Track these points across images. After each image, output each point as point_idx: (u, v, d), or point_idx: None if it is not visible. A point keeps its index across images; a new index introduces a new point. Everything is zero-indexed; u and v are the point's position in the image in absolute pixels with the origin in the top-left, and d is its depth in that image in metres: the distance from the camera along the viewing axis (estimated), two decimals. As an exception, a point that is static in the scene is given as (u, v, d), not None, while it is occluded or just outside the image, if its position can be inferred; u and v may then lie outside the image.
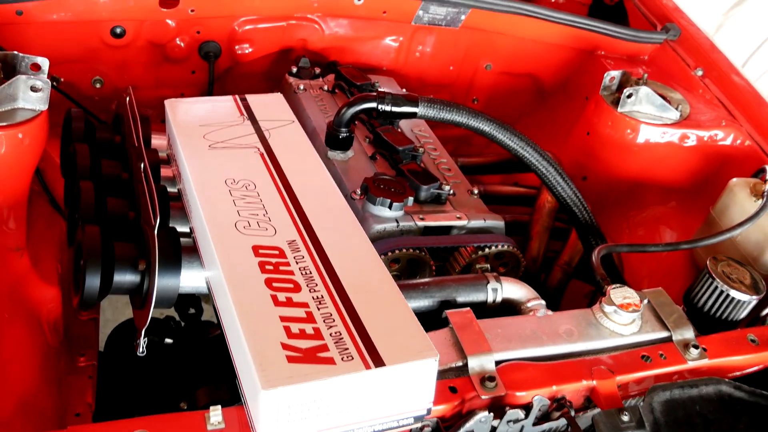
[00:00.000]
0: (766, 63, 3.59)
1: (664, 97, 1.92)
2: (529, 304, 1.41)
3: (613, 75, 1.97)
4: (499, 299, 1.42)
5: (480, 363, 1.25)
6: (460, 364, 1.26)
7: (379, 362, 1.05)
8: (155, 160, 1.56)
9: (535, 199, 1.94)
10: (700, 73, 2.07)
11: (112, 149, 1.60)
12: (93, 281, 1.27)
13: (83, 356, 1.69)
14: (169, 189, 1.51)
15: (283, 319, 1.10)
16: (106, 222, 1.38)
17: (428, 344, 1.10)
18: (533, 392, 1.23)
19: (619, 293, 1.40)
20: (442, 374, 1.23)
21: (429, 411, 1.13)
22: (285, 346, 1.05)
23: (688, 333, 1.40)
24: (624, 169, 1.97)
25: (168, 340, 1.99)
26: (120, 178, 1.52)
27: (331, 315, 1.12)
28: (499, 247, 1.54)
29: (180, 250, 1.32)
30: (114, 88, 1.89)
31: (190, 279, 1.32)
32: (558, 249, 1.93)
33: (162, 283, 1.27)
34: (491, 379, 1.22)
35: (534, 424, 1.24)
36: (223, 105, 1.61)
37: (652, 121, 1.91)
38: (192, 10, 1.78)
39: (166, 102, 1.56)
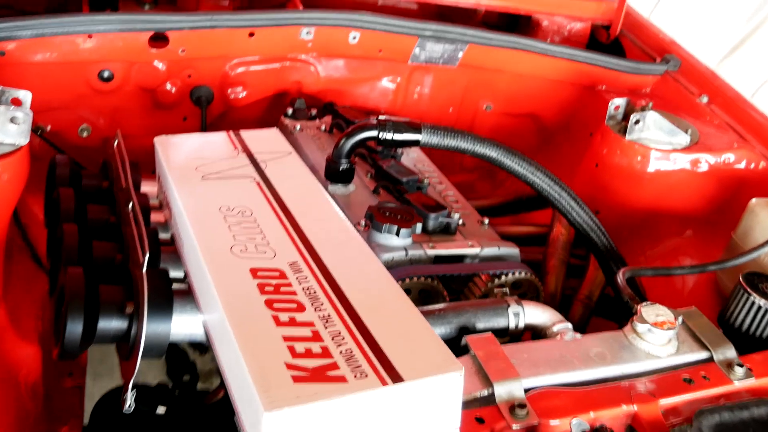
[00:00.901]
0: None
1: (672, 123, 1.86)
2: (554, 328, 1.31)
3: (617, 103, 1.91)
4: (521, 324, 1.31)
5: (508, 390, 1.14)
6: (485, 393, 1.14)
7: (396, 378, 0.93)
8: (145, 203, 1.47)
9: (547, 236, 1.85)
10: (705, 100, 2.02)
11: (99, 196, 1.51)
12: (75, 327, 1.16)
13: (66, 426, 1.56)
14: (162, 236, 1.41)
15: (286, 338, 0.99)
16: (91, 266, 1.29)
17: (451, 358, 0.99)
18: (569, 419, 1.12)
19: (651, 311, 1.30)
20: (467, 405, 1.11)
21: (457, 435, 1.01)
22: (290, 366, 0.94)
23: (730, 352, 1.30)
24: (637, 199, 1.89)
25: (160, 410, 1.86)
26: (107, 223, 1.43)
27: (340, 333, 1.01)
28: (517, 274, 1.44)
29: (171, 292, 1.21)
30: (102, 137, 1.81)
31: (183, 324, 1.21)
32: (575, 286, 1.83)
33: (152, 327, 1.16)
34: (522, 406, 1.10)
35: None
36: (216, 140, 1.53)
37: (663, 147, 1.84)
38: (182, 51, 1.72)
39: (156, 139, 1.48)
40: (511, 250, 1.51)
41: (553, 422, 1.10)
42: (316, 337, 1.00)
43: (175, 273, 1.32)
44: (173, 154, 1.46)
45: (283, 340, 0.98)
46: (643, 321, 1.27)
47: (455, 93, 2.13)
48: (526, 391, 1.15)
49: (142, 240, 1.23)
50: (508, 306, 1.31)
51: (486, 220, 1.60)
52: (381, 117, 1.57)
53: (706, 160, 1.84)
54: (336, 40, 1.87)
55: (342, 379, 0.93)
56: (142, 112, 1.83)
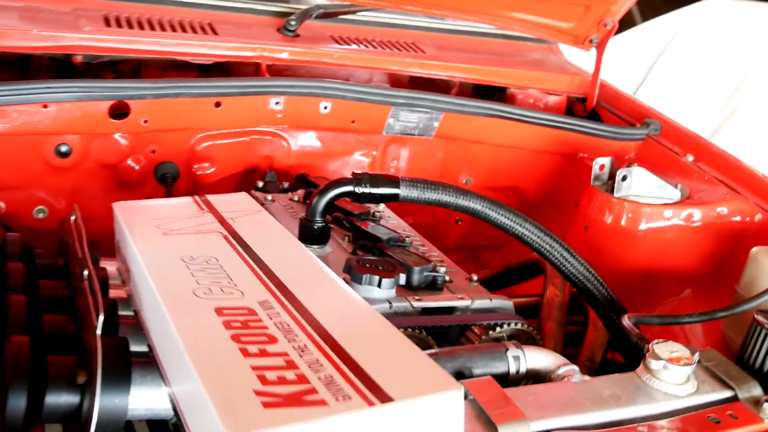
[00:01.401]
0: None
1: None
2: (560, 371, 1.17)
3: (602, 162, 1.85)
4: (522, 369, 1.17)
5: (514, 433, 0.99)
6: (489, 441, 0.99)
7: (385, 399, 0.79)
8: (103, 276, 1.35)
9: (540, 301, 1.73)
10: (691, 158, 1.95)
11: (53, 273, 1.38)
12: (18, 401, 1.00)
13: None
14: (124, 313, 1.28)
15: (255, 368, 0.85)
16: (41, 339, 1.15)
17: (447, 377, 0.85)
18: (587, 464, 0.97)
19: (665, 347, 1.17)
20: (469, 456, 0.96)
21: (460, 479, 0.86)
22: (260, 393, 0.80)
23: (756, 389, 1.16)
24: (631, 259, 1.79)
25: None
26: (60, 297, 1.29)
27: (318, 360, 0.87)
28: (513, 326, 1.31)
29: (129, 359, 1.07)
30: (59, 219, 1.70)
31: (144, 398, 1.06)
32: (574, 354, 1.69)
33: (107, 399, 1.01)
34: (531, 451, 0.95)
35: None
36: (180, 202, 1.43)
37: (653, 203, 1.75)
38: (145, 122, 1.64)
39: (115, 204, 1.37)
40: (505, 303, 1.38)
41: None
42: (291, 365, 0.86)
43: (138, 347, 1.18)
44: (133, 215, 1.34)
45: (251, 370, 0.84)
46: (657, 357, 1.14)
47: (433, 167, 2.05)
48: (535, 437, 1.01)
49: (97, 306, 1.10)
50: (507, 349, 1.17)
51: (475, 277, 1.48)
52: (356, 171, 1.48)
53: (699, 214, 1.76)
54: (306, 111, 1.80)
55: (322, 402, 0.79)
56: (103, 192, 1.72)
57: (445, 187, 1.47)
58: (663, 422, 1.09)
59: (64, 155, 1.64)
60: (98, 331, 1.06)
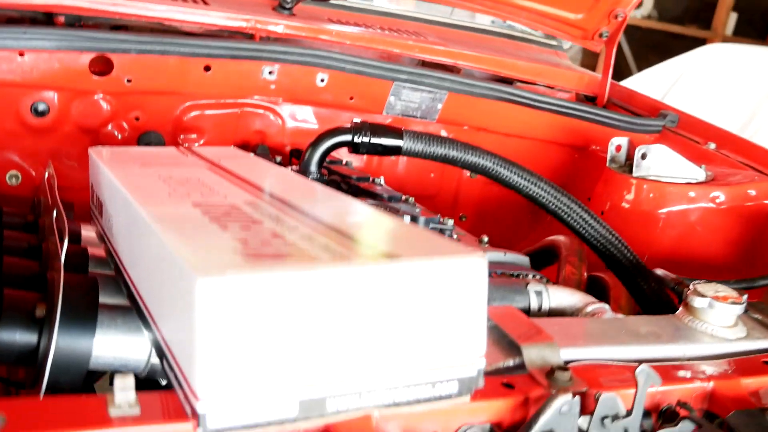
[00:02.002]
0: None
1: (682, 159, 1.66)
2: (588, 309, 1.02)
3: (619, 143, 1.72)
4: (546, 306, 1.02)
5: (540, 354, 0.84)
6: (510, 363, 0.84)
7: (391, 257, 0.65)
8: (76, 230, 1.21)
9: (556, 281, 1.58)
10: (713, 146, 1.83)
11: (22, 228, 1.25)
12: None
13: None
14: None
15: (236, 239, 0.70)
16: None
17: (466, 249, 0.70)
18: (627, 392, 0.81)
19: (709, 287, 1.02)
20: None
21: (481, 375, 0.70)
22: (240, 252, 0.65)
23: (812, 340, 1.01)
24: (652, 243, 1.64)
25: None
26: (27, 247, 1.15)
27: (311, 236, 0.72)
28: (531, 277, 1.17)
29: (96, 299, 0.93)
30: (34, 187, 1.56)
31: (112, 344, 0.91)
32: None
33: (67, 340, 0.87)
34: (563, 369, 0.79)
35: (644, 431, 0.80)
36: (162, 149, 1.29)
37: (676, 182, 1.63)
38: (128, 81, 1.52)
39: (91, 149, 1.24)
40: (520, 257, 1.24)
41: (607, 395, 0.78)
42: (278, 236, 0.71)
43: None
44: (111, 155, 1.21)
45: (230, 239, 0.70)
46: (701, 295, 0.99)
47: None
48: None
49: (62, 233, 0.97)
50: (527, 284, 1.03)
51: (485, 238, 1.34)
52: (356, 120, 1.35)
53: (727, 195, 1.63)
54: (302, 82, 1.68)
55: (311, 259, 0.64)
56: (82, 161, 1.58)
57: (453, 141, 1.35)
58: (710, 362, 0.93)
59: (41, 114, 1.51)
60: (62, 257, 0.93)
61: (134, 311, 0.88)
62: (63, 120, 1.54)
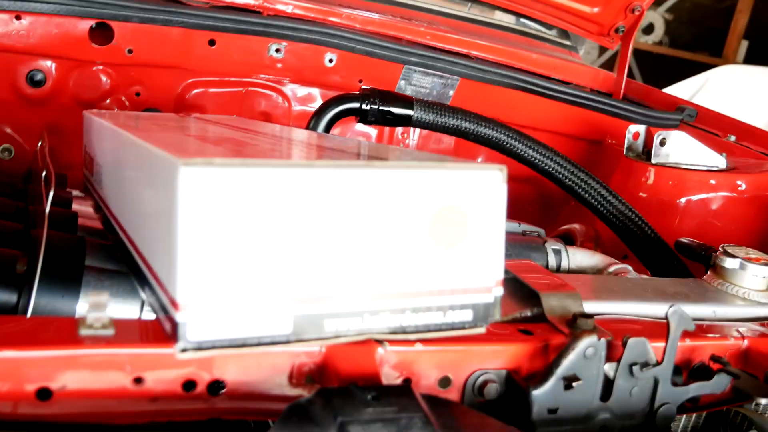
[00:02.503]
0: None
1: (702, 147, 1.59)
2: (611, 269, 0.94)
3: (636, 130, 1.66)
4: (565, 264, 0.95)
5: (561, 303, 0.77)
6: (528, 313, 0.77)
7: (399, 166, 0.58)
8: (67, 198, 1.15)
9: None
10: (733, 138, 1.76)
11: (12, 196, 1.19)
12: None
13: None
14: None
15: (227, 149, 0.64)
16: None
17: (475, 163, 0.63)
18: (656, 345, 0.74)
19: (738, 249, 0.95)
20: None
21: (498, 303, 0.63)
22: (228, 152, 0.59)
23: None
24: (671, 233, 1.56)
25: None
26: (14, 211, 1.09)
27: (310, 151, 0.66)
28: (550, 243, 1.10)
29: (82, 259, 0.87)
30: (27, 162, 1.50)
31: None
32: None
33: (48, 298, 0.81)
34: (586, 316, 0.72)
35: (675, 384, 0.72)
36: (162, 114, 1.24)
37: (697, 169, 1.56)
38: (130, 51, 1.47)
39: (86, 111, 1.18)
40: (536, 229, 1.17)
41: (636, 339, 0.71)
42: (277, 150, 0.65)
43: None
44: (106, 114, 1.15)
45: (221, 150, 0.63)
46: (732, 256, 0.92)
47: (446, 149, 1.86)
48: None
49: (48, 184, 0.91)
50: (545, 242, 0.95)
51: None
52: (365, 87, 1.29)
53: (750, 184, 1.55)
54: (310, 62, 1.63)
55: (304, 162, 0.57)
56: (78, 137, 1.52)
57: (466, 112, 1.28)
58: (742, 324, 0.86)
59: (38, 84, 1.45)
60: (47, 207, 0.87)
61: (124, 277, 0.82)
62: (60, 91, 1.48)
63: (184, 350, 0.53)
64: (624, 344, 0.69)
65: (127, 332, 0.59)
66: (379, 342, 0.63)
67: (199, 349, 0.53)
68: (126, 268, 0.81)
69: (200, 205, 0.51)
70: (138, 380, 0.58)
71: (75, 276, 0.83)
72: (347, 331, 0.58)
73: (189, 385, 0.59)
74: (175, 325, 0.53)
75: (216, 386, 0.60)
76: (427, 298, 0.60)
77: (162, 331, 0.59)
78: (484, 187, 0.60)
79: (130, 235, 0.72)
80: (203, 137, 0.74)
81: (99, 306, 0.58)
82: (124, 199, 0.77)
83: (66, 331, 0.58)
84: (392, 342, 0.64)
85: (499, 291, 0.62)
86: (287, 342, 0.56)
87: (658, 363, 0.70)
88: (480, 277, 0.61)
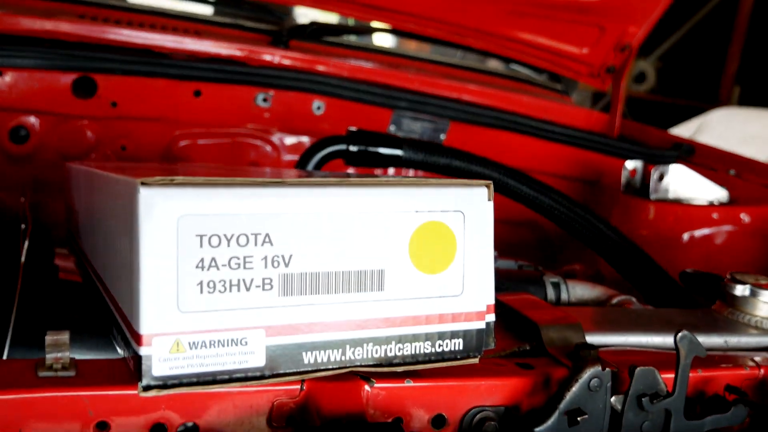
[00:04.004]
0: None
1: (701, 182, 1.56)
2: (614, 301, 0.90)
3: (633, 167, 1.62)
4: (565, 297, 0.90)
5: (561, 335, 0.72)
6: (527, 347, 0.73)
7: (377, 183, 0.54)
8: (49, 251, 1.12)
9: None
10: (733, 172, 1.73)
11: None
12: None
13: None
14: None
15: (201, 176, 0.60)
16: None
17: (459, 180, 0.60)
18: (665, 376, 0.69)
19: (748, 276, 0.91)
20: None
21: (491, 330, 0.58)
22: (197, 178, 0.55)
23: None
24: (676, 269, 1.51)
25: None
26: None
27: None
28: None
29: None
30: (11, 220, 1.46)
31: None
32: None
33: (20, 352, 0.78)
34: (588, 346, 0.68)
35: (690, 416, 0.67)
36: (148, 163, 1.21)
37: (698, 203, 1.52)
38: (114, 104, 1.44)
39: (68, 162, 1.15)
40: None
41: (644, 369, 0.66)
42: (251, 175, 0.61)
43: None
44: (85, 162, 1.12)
45: (187, 174, 0.60)
46: (741, 282, 0.87)
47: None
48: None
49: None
50: (543, 274, 0.91)
51: (495, 252, 1.22)
52: (351, 128, 1.27)
53: (753, 216, 1.51)
54: (297, 110, 1.61)
55: (278, 182, 0.53)
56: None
57: (457, 150, 1.25)
58: (757, 354, 0.81)
59: (22, 140, 1.43)
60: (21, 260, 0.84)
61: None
62: (44, 147, 1.45)
63: (147, 388, 0.48)
64: (631, 374, 0.64)
65: (90, 373, 0.54)
66: (366, 378, 0.59)
67: (164, 386, 0.49)
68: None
69: (161, 227, 0.47)
70: (102, 425, 0.53)
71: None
72: (327, 363, 0.53)
73: (158, 428, 0.54)
74: (138, 361, 0.49)
75: (188, 430, 0.55)
76: (412, 327, 0.55)
77: (129, 370, 0.54)
78: (470, 204, 0.56)
79: (101, 275, 0.68)
80: (172, 168, 0.71)
81: (59, 346, 0.53)
82: (96, 239, 0.73)
83: (23, 374, 0.53)
84: (380, 379, 0.59)
85: (492, 317, 0.57)
86: (261, 377, 0.51)
87: (670, 394, 0.65)
88: (470, 302, 0.56)
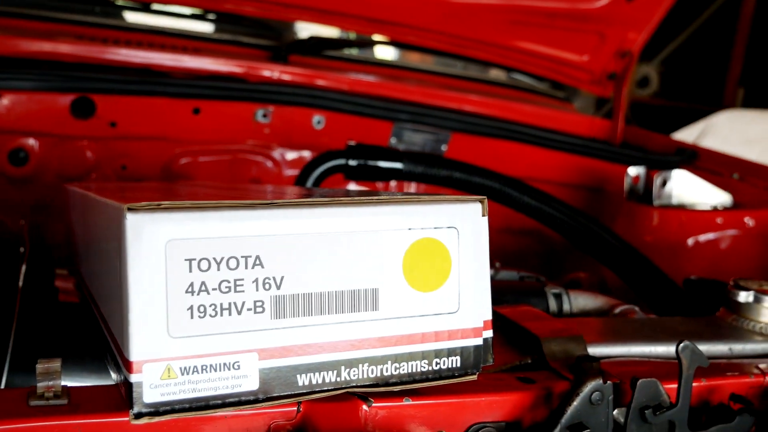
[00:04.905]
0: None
1: (704, 186, 1.55)
2: (617, 310, 0.89)
3: (635, 173, 1.61)
4: (567, 308, 0.89)
5: (563, 347, 0.71)
6: (528, 361, 0.72)
7: (368, 202, 0.54)
8: (49, 261, 1.12)
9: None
10: (736, 176, 1.72)
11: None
12: None
13: None
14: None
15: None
16: None
17: (452, 196, 0.59)
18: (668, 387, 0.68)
19: (752, 282, 0.90)
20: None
21: (489, 346, 0.58)
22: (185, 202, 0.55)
23: None
24: (681, 275, 1.50)
25: None
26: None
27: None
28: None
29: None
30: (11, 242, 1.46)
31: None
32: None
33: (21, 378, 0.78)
34: (590, 359, 0.67)
35: (694, 427, 0.66)
36: (148, 183, 1.20)
37: (701, 208, 1.51)
38: (113, 124, 1.44)
39: (67, 184, 1.15)
40: (535, 275, 1.12)
41: (646, 380, 0.65)
42: (241, 196, 0.61)
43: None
44: (83, 186, 1.12)
45: (176, 196, 0.59)
46: (745, 289, 0.86)
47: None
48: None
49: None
50: (544, 285, 0.90)
51: (497, 264, 1.22)
52: (351, 143, 1.26)
53: (757, 220, 1.50)
54: (297, 125, 1.60)
55: (271, 203, 0.53)
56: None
57: (457, 162, 1.25)
58: (765, 361, 0.80)
59: (21, 162, 1.43)
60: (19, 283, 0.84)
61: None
62: (44, 168, 1.45)
63: (139, 415, 0.48)
64: (633, 386, 0.63)
65: (82, 401, 0.54)
66: (364, 398, 0.58)
67: (156, 413, 0.48)
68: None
69: (149, 252, 0.47)
70: (95, 455, 0.52)
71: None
72: (323, 385, 0.52)
73: (152, 456, 0.53)
74: (129, 388, 0.48)
75: (183, 457, 0.54)
76: (408, 345, 0.54)
77: (122, 397, 0.54)
78: (464, 220, 0.55)
79: (95, 299, 0.68)
80: (171, 188, 0.70)
81: (50, 374, 0.53)
82: (90, 262, 0.73)
83: (14, 403, 0.53)
84: (378, 398, 0.58)
85: (489, 333, 0.57)
86: (256, 401, 0.51)
87: (673, 405, 0.64)
88: (466, 319, 0.56)
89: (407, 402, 0.60)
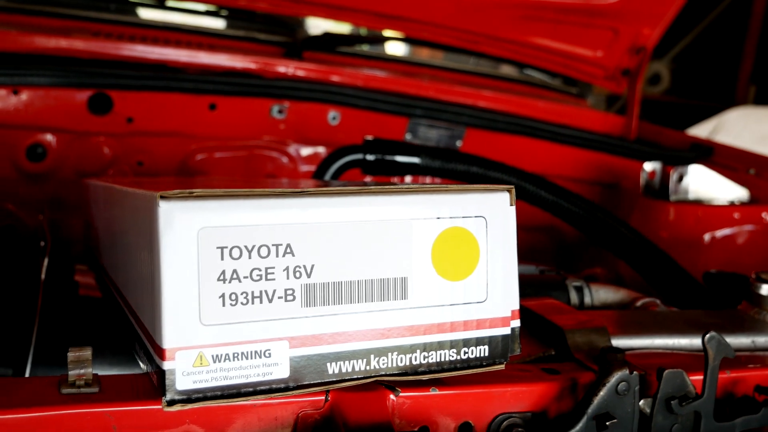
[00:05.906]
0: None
1: (721, 182, 1.55)
2: (638, 303, 0.89)
3: (651, 168, 1.61)
4: (588, 301, 0.89)
5: (587, 339, 0.71)
6: (552, 353, 0.72)
7: (398, 191, 0.54)
8: (69, 267, 1.13)
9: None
10: (753, 171, 1.71)
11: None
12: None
13: None
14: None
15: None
16: None
17: (480, 186, 0.59)
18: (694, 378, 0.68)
19: (774, 274, 0.89)
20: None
21: (516, 336, 0.58)
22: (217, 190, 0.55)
23: None
24: (699, 270, 1.50)
25: None
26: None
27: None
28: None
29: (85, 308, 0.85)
30: (29, 238, 1.47)
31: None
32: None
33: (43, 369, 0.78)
34: (614, 350, 0.66)
35: (720, 418, 0.66)
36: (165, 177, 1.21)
37: (718, 203, 1.50)
38: (130, 119, 1.45)
39: (86, 179, 1.16)
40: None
41: (672, 371, 0.65)
42: (270, 186, 0.61)
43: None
44: (103, 179, 1.12)
45: (206, 186, 0.59)
46: (767, 281, 0.86)
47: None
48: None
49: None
50: (565, 278, 0.90)
51: (514, 258, 1.22)
52: (368, 137, 1.26)
53: (777, 216, 1.50)
54: (313, 121, 1.61)
55: (301, 191, 0.53)
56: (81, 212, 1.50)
57: (475, 157, 1.25)
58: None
59: (39, 158, 1.43)
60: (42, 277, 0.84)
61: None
62: (61, 164, 1.46)
63: (171, 402, 0.48)
64: (659, 377, 0.63)
65: (114, 389, 0.54)
66: (390, 387, 0.58)
67: (189, 400, 0.48)
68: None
69: (182, 240, 0.47)
70: (126, 442, 0.53)
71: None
72: (352, 373, 0.53)
73: (183, 444, 0.54)
74: (162, 375, 0.48)
75: (213, 445, 0.55)
76: (437, 334, 0.54)
77: (152, 385, 0.54)
78: (492, 209, 0.55)
79: (121, 291, 0.68)
80: (190, 182, 0.70)
81: (81, 362, 0.53)
82: (115, 255, 0.73)
83: (46, 391, 0.53)
84: (405, 388, 0.58)
85: (517, 323, 0.57)
86: (286, 389, 0.51)
87: (699, 396, 0.64)
88: (494, 308, 0.56)
89: (434, 392, 0.60)
